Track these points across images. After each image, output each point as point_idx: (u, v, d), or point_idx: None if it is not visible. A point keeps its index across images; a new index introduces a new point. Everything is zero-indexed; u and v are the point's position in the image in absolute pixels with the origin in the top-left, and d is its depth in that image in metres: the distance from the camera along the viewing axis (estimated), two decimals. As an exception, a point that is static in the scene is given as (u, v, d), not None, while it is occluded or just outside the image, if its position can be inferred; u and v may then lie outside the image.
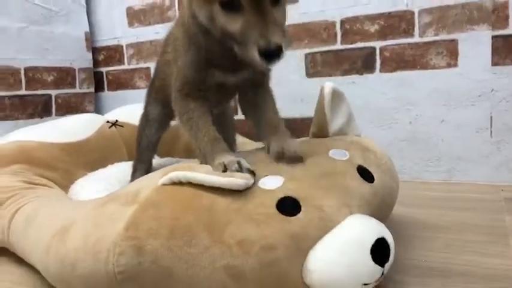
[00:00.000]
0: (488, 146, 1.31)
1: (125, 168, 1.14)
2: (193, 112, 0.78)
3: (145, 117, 1.08)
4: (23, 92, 1.60)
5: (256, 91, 0.85)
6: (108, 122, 1.35)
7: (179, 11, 1.64)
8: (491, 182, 1.30)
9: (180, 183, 0.66)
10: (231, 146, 1.07)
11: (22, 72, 1.59)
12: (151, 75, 1.78)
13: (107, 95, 1.95)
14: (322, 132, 0.87)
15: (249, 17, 0.62)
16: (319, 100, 0.87)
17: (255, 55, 0.60)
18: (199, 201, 0.63)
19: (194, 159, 0.80)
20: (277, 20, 0.63)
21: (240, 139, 1.26)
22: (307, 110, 1.51)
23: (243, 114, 0.89)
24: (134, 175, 1.08)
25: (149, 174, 0.78)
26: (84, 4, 1.85)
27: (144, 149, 1.08)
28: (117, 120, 1.36)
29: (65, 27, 1.76)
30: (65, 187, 1.08)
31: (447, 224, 0.99)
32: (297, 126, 1.54)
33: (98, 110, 1.93)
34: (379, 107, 1.43)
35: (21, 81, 1.59)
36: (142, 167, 1.08)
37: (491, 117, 1.30)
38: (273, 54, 0.60)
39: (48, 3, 1.68)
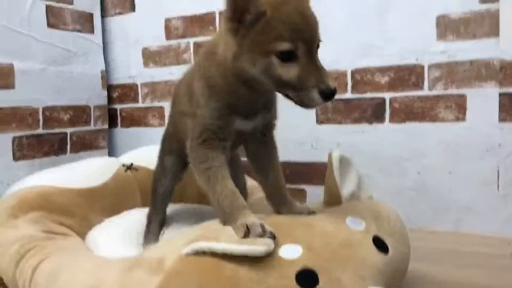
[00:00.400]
0: (496, 200, 1.33)
1: (140, 215, 1.16)
2: (212, 161, 0.81)
3: (160, 166, 1.11)
4: (40, 131, 1.63)
5: (263, 139, 0.92)
6: (123, 165, 1.37)
7: (195, 59, 1.68)
8: (499, 235, 1.32)
9: (203, 252, 0.68)
10: (242, 191, 1.10)
11: (40, 112, 1.63)
12: (165, 113, 1.85)
13: (119, 131, 1.99)
14: (335, 200, 0.89)
15: (304, 65, 0.72)
16: (328, 168, 0.90)
17: (315, 96, 0.71)
18: (223, 272, 0.65)
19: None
20: (323, 66, 0.74)
21: (249, 182, 1.28)
22: (317, 156, 1.55)
23: (250, 162, 0.95)
24: (149, 226, 1.10)
25: (172, 239, 0.80)
26: (101, 44, 1.90)
27: (159, 197, 1.11)
28: (132, 164, 1.39)
29: (83, 66, 1.80)
30: (83, 234, 1.09)
31: (455, 282, 1.01)
32: (306, 171, 1.57)
33: (111, 146, 1.97)
34: (388, 156, 1.46)
35: (39, 121, 1.62)
36: (157, 218, 1.11)
37: (498, 171, 1.32)
38: (331, 94, 0.71)
39: (67, 43, 1.73)
